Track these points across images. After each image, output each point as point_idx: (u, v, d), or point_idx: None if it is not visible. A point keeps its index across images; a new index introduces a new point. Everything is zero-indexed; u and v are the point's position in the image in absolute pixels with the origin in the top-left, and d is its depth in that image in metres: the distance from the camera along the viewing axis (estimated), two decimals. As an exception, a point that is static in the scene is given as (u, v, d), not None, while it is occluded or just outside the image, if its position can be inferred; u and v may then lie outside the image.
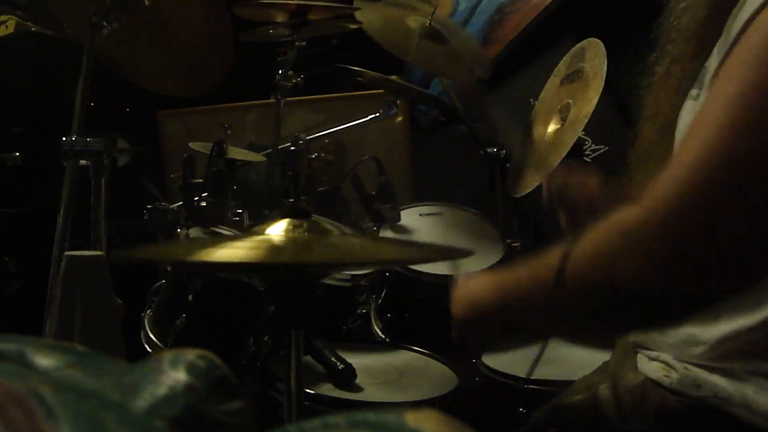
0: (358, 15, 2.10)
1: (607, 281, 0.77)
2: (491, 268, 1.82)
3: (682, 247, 0.73)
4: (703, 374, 0.88)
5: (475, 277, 0.98)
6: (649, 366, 0.95)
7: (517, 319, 0.89)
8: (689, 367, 0.90)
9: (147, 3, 1.84)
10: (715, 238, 0.72)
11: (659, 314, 0.80)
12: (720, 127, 0.74)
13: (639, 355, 0.98)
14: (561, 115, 2.06)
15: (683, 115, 0.95)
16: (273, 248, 0.96)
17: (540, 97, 2.20)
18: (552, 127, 2.07)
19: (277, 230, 0.99)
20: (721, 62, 0.81)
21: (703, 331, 0.89)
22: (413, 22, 2.21)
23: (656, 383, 0.93)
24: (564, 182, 1.24)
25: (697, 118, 0.79)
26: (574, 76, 2.04)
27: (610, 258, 0.76)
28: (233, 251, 0.98)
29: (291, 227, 0.99)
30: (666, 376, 0.92)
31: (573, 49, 2.09)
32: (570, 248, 0.80)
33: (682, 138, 0.80)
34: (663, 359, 0.93)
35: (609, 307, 0.80)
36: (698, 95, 0.91)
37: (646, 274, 0.74)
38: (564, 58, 2.13)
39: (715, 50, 0.86)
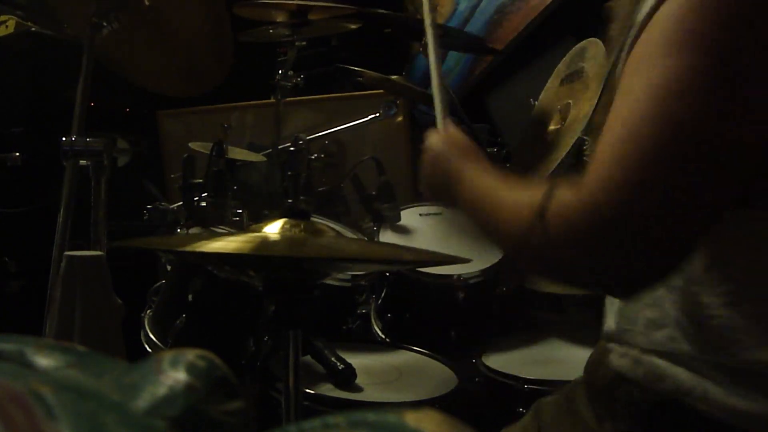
0: None
1: (521, 234, 0.85)
2: (491, 267, 1.82)
3: (618, 232, 0.78)
4: (668, 369, 0.89)
5: (448, 138, 1.13)
6: (619, 361, 0.96)
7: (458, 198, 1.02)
8: (655, 358, 0.91)
9: (147, 3, 1.84)
10: (636, 226, 0.77)
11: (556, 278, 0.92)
12: (629, 123, 0.79)
13: (611, 353, 0.99)
14: (561, 116, 2.06)
15: None
16: (265, 243, 0.96)
17: (540, 97, 2.20)
18: (552, 127, 2.07)
19: (274, 229, 1.00)
20: (625, 60, 0.85)
21: (662, 316, 0.91)
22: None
23: (624, 378, 0.94)
24: None
25: (610, 116, 0.83)
26: (574, 76, 2.04)
27: (532, 218, 0.83)
28: (226, 244, 0.99)
29: (288, 226, 1.00)
30: (632, 371, 0.93)
31: (573, 49, 2.09)
32: (510, 183, 0.92)
33: (604, 132, 0.84)
34: (632, 355, 0.94)
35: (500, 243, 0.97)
36: None
37: (571, 249, 0.81)
38: (564, 59, 2.13)
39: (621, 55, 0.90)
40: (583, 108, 1.91)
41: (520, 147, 2.32)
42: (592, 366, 1.04)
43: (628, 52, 0.84)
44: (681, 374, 0.88)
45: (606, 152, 0.80)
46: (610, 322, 1.00)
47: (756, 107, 0.77)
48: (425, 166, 1.12)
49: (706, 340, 0.87)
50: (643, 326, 0.93)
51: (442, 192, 1.07)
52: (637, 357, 0.93)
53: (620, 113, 0.81)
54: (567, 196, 0.81)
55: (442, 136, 1.14)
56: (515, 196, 0.90)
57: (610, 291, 0.93)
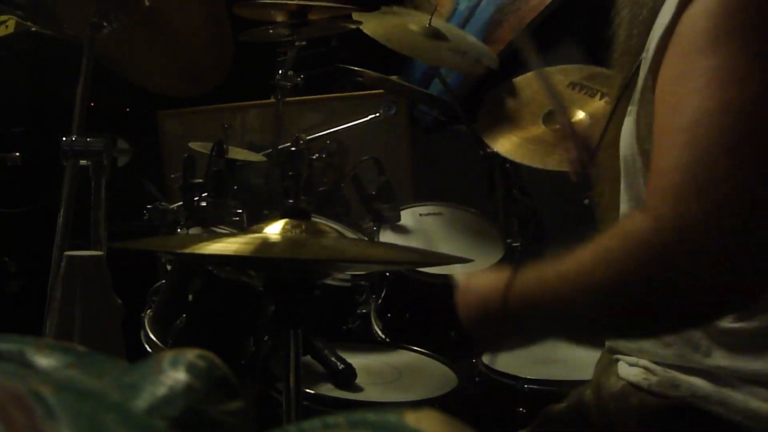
0: (362, 28, 2.12)
1: (617, 285, 0.76)
2: (491, 267, 1.82)
3: (696, 245, 0.71)
4: (681, 376, 0.89)
5: (477, 277, 0.97)
6: (629, 371, 0.96)
7: (523, 320, 0.88)
8: (668, 369, 0.90)
9: (147, 3, 1.84)
10: (727, 230, 0.71)
11: (672, 319, 0.79)
12: (684, 127, 0.74)
13: (620, 362, 0.99)
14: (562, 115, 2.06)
15: (624, 133, 0.95)
16: (265, 245, 0.96)
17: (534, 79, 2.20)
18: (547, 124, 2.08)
19: (275, 229, 1.00)
20: (654, 71, 0.82)
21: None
22: (414, 25, 2.23)
23: (636, 386, 0.94)
24: None
25: (657, 128, 0.79)
26: (587, 91, 2.04)
27: (619, 262, 0.75)
28: (226, 245, 0.99)
29: (288, 227, 1.00)
30: (645, 379, 0.93)
31: (599, 70, 2.09)
32: (576, 253, 0.80)
33: (655, 147, 0.79)
34: (642, 364, 0.94)
35: (610, 311, 0.79)
36: (632, 111, 0.92)
37: (659, 274, 0.73)
38: (582, 66, 2.13)
39: (642, 67, 0.87)
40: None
41: (489, 106, 2.31)
42: (600, 374, 1.04)
43: (656, 62, 0.82)
44: (697, 382, 0.88)
45: (664, 162, 0.75)
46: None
47: None
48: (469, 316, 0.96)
49: (720, 352, 0.87)
50: (650, 344, 0.93)
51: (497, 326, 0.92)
52: (648, 366, 0.93)
53: (670, 122, 0.77)
54: (636, 224, 0.76)
55: (463, 299, 0.97)
56: (585, 261, 0.79)
57: (723, 307, 0.80)
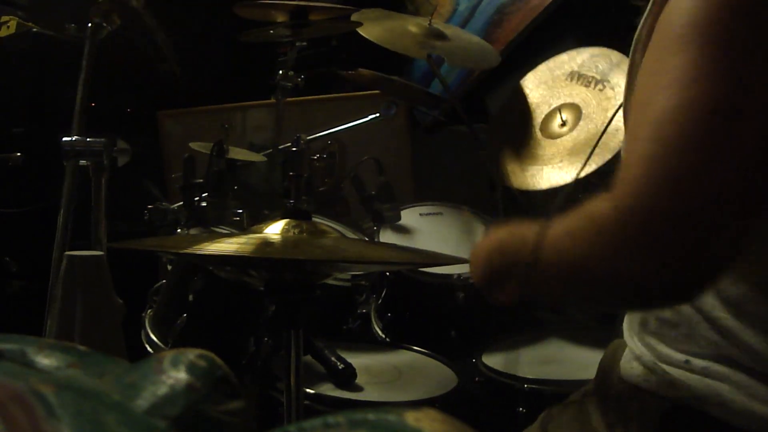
0: (361, 31, 2.12)
1: (577, 263, 0.80)
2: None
3: (652, 236, 0.73)
4: (682, 376, 0.89)
5: (489, 234, 1.02)
6: (631, 372, 0.96)
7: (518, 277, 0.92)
8: (667, 369, 0.90)
9: (135, 4, 1.83)
10: (682, 225, 0.72)
11: (624, 300, 0.84)
12: (650, 118, 0.76)
13: (621, 362, 0.98)
14: (563, 115, 2.06)
15: None
16: (264, 245, 0.96)
17: (527, 78, 2.20)
18: (558, 128, 2.07)
19: (275, 230, 1.00)
20: (640, 55, 0.84)
21: (673, 315, 0.91)
22: (414, 26, 2.23)
23: (637, 387, 0.94)
24: None
25: (631, 115, 0.81)
26: (592, 82, 2.04)
27: (582, 241, 0.79)
28: (225, 245, 0.99)
29: (289, 227, 1.00)
30: (645, 381, 0.93)
31: (601, 51, 2.09)
32: (544, 228, 0.83)
33: (625, 139, 0.82)
34: (644, 361, 0.94)
35: (581, 287, 0.84)
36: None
37: (616, 260, 0.76)
38: (576, 53, 2.13)
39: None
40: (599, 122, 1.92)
41: (498, 118, 2.31)
42: (602, 374, 1.04)
43: (642, 49, 0.84)
44: (697, 382, 0.88)
45: (631, 154, 0.77)
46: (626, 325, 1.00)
47: None
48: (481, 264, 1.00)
49: (724, 350, 0.87)
50: (657, 327, 0.93)
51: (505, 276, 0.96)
52: (650, 365, 0.93)
53: (639, 116, 0.79)
54: (599, 208, 0.78)
55: (474, 258, 1.02)
56: (554, 234, 0.82)
57: (665, 298, 0.83)
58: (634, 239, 0.74)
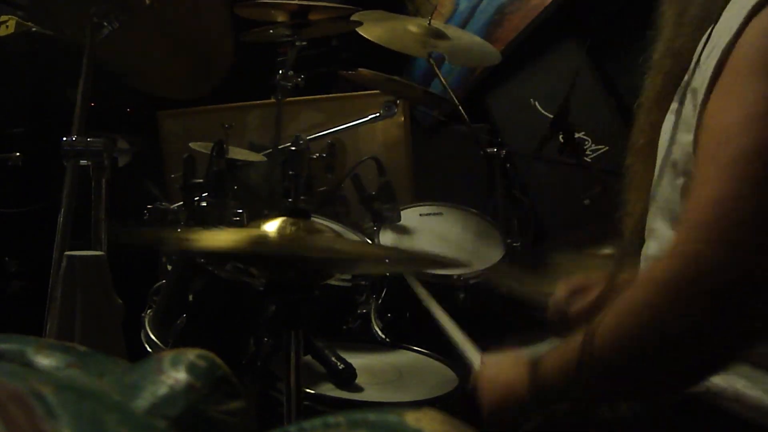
0: (362, 31, 2.12)
1: (643, 338, 0.76)
2: (493, 265, 1.82)
3: (723, 289, 0.70)
4: None
5: (500, 363, 1.03)
6: None
7: (551, 400, 0.91)
8: None
9: (147, 2, 1.84)
10: (754, 275, 0.69)
11: (704, 361, 0.79)
12: (738, 160, 0.71)
13: None
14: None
15: (664, 131, 0.94)
16: (258, 240, 0.97)
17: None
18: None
19: (272, 227, 1.01)
20: (708, 86, 0.79)
21: None
22: (414, 26, 2.23)
23: None
24: (566, 299, 1.25)
25: (700, 153, 0.77)
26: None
27: (648, 312, 0.75)
28: (219, 239, 0.99)
29: (287, 226, 1.00)
30: None
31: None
32: (594, 325, 0.81)
33: (697, 173, 0.76)
34: None
35: (649, 366, 0.80)
36: (678, 110, 0.90)
37: (690, 319, 0.73)
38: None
39: (700, 66, 0.84)
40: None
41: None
42: None
43: (712, 80, 0.79)
44: (712, 377, 0.87)
45: (705, 192, 0.73)
46: None
47: None
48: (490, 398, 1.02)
49: None
50: None
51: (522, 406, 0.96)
52: None
53: (715, 151, 0.75)
54: (658, 267, 0.75)
55: (488, 385, 1.05)
56: (610, 320, 0.80)
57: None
58: (703, 287, 0.70)
